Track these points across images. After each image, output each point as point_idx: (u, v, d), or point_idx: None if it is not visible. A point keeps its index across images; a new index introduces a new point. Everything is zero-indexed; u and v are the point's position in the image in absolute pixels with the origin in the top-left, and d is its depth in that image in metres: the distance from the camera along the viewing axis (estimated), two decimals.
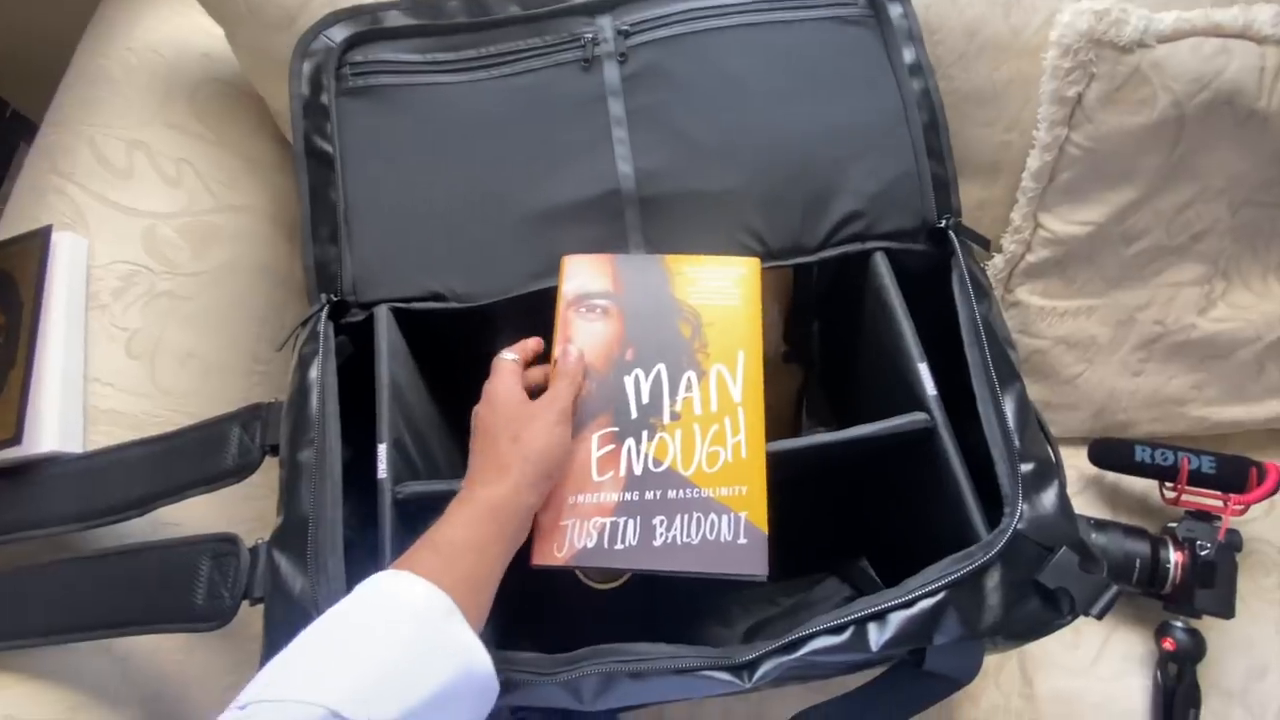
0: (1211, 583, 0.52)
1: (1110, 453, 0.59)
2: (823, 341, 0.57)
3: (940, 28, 0.49)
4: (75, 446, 0.44)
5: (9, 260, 0.46)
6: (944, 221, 0.44)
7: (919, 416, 0.40)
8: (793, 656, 0.34)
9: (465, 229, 0.44)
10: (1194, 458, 0.55)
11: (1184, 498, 0.56)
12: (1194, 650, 0.53)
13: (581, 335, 0.40)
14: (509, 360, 0.39)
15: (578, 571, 0.43)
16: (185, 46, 0.58)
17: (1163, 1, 0.47)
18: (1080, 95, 0.47)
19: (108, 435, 0.45)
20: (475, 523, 0.33)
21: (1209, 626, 0.54)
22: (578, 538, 0.36)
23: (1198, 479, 0.54)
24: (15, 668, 0.41)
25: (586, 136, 0.45)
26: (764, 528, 0.36)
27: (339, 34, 0.47)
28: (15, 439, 0.41)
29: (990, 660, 0.60)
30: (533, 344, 0.41)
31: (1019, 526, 0.36)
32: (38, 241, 0.46)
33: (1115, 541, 0.55)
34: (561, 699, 0.33)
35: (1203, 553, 0.52)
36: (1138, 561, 0.54)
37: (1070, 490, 0.62)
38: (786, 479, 0.42)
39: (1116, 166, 0.49)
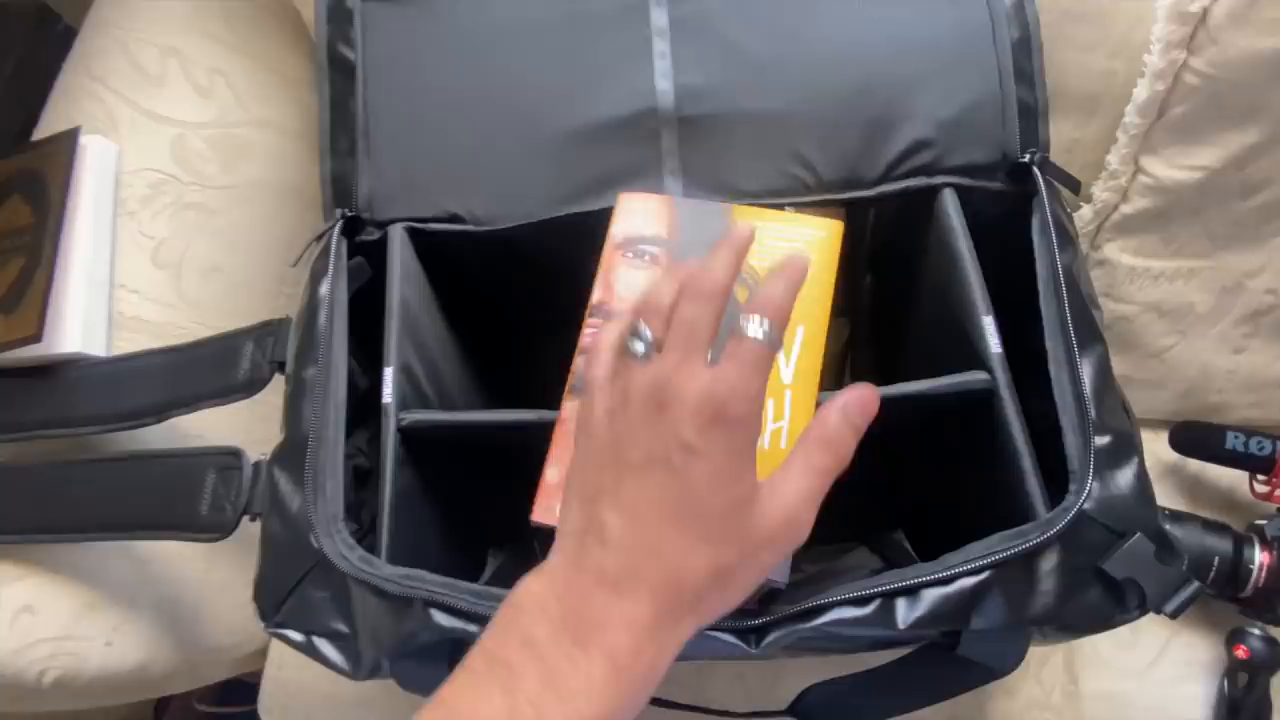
0: None
1: (1197, 438, 0.52)
2: (874, 293, 0.52)
3: None
4: (99, 350, 0.44)
5: (42, 160, 0.46)
6: (1028, 156, 0.38)
7: (979, 375, 0.35)
8: (808, 625, 0.31)
9: (488, 146, 0.41)
10: None
11: (1278, 493, 0.49)
12: (1270, 660, 0.48)
13: (624, 282, 0.36)
14: (763, 338, 0.23)
15: None
16: None
17: None
18: (1206, 10, 0.39)
19: (131, 342, 0.46)
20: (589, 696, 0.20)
21: None
22: None
23: None
24: (35, 560, 0.42)
25: (624, 48, 0.41)
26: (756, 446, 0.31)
27: None
28: (37, 336, 0.41)
29: (1033, 651, 0.55)
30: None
31: (1085, 506, 0.31)
32: (66, 142, 0.46)
33: (1193, 536, 0.49)
34: None
35: None
36: (1216, 559, 0.48)
37: None
38: None
39: (1242, 100, 0.42)
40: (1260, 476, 0.51)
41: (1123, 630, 0.53)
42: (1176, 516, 0.51)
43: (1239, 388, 0.53)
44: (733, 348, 0.23)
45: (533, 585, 0.23)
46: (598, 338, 0.27)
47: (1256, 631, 0.49)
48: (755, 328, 0.23)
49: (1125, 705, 0.52)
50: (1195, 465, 0.55)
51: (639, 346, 0.24)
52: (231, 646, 0.53)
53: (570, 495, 0.24)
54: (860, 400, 0.24)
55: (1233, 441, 0.50)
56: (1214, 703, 0.50)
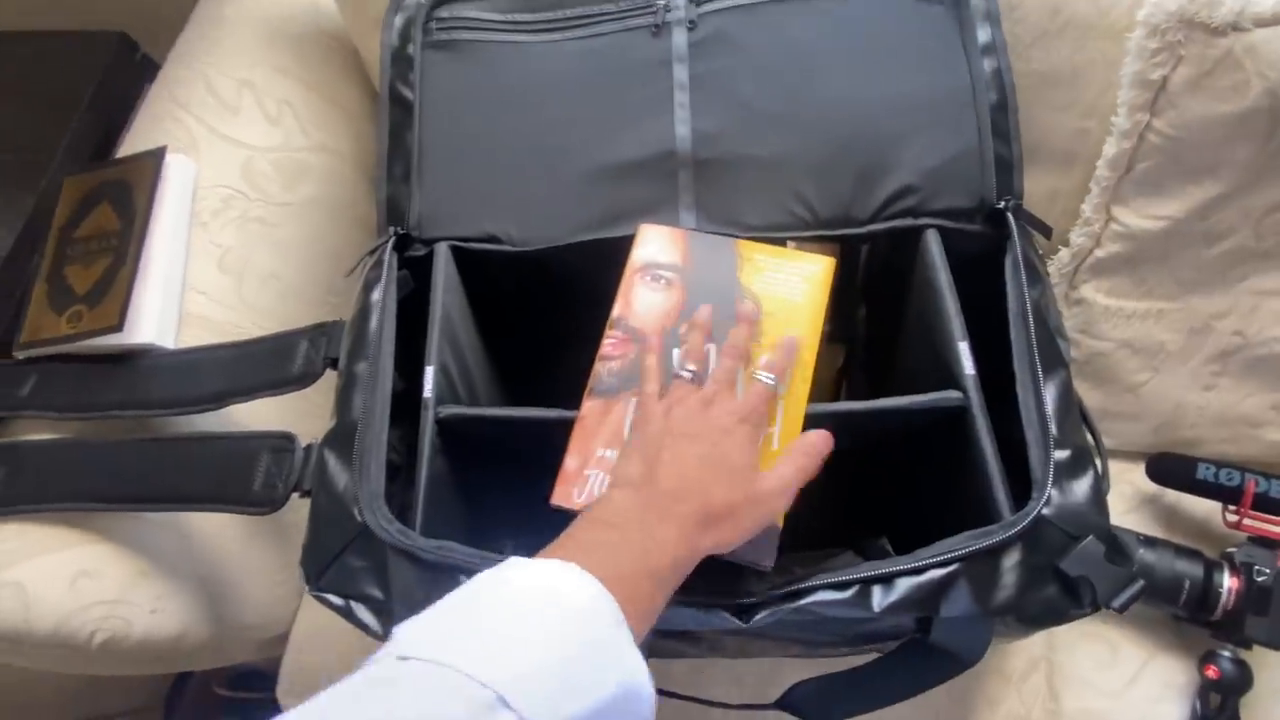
0: (1266, 610, 0.48)
1: (1170, 469, 0.55)
2: (868, 322, 0.56)
3: (1021, 5, 0.47)
4: (169, 342, 0.49)
5: (130, 173, 0.52)
6: (1004, 203, 0.43)
7: (953, 394, 0.39)
8: (792, 605, 0.34)
9: (526, 179, 0.47)
10: (1262, 480, 0.51)
11: (1246, 522, 0.52)
12: (1239, 681, 0.50)
13: (641, 301, 0.41)
14: (770, 383, 0.36)
15: None
16: None
17: None
18: (1165, 79, 0.44)
19: (196, 337, 0.51)
20: (656, 551, 0.30)
21: (1258, 660, 0.51)
22: (598, 488, 0.37)
23: (1263, 503, 0.51)
24: (95, 528, 0.46)
25: (649, 99, 0.46)
26: (779, 522, 0.36)
27: None
28: (119, 327, 0.47)
29: (1015, 668, 0.58)
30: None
31: (1045, 512, 0.35)
32: (154, 159, 0.52)
33: (1165, 560, 0.52)
34: None
35: (1259, 579, 0.49)
36: (1187, 583, 0.51)
37: (1124, 507, 0.61)
38: None
39: (1201, 158, 0.46)
40: (1231, 506, 0.53)
41: (1102, 651, 0.56)
42: (1151, 542, 0.53)
43: (1211, 423, 0.57)
44: (754, 387, 0.37)
45: (612, 495, 0.33)
46: (646, 365, 0.38)
47: (1226, 653, 0.51)
48: (765, 377, 0.37)
49: None
50: (1172, 495, 0.58)
51: (688, 374, 0.37)
52: (259, 626, 0.57)
53: (630, 454, 0.35)
54: (825, 435, 0.36)
55: (1204, 472, 0.53)
56: None
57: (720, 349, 0.39)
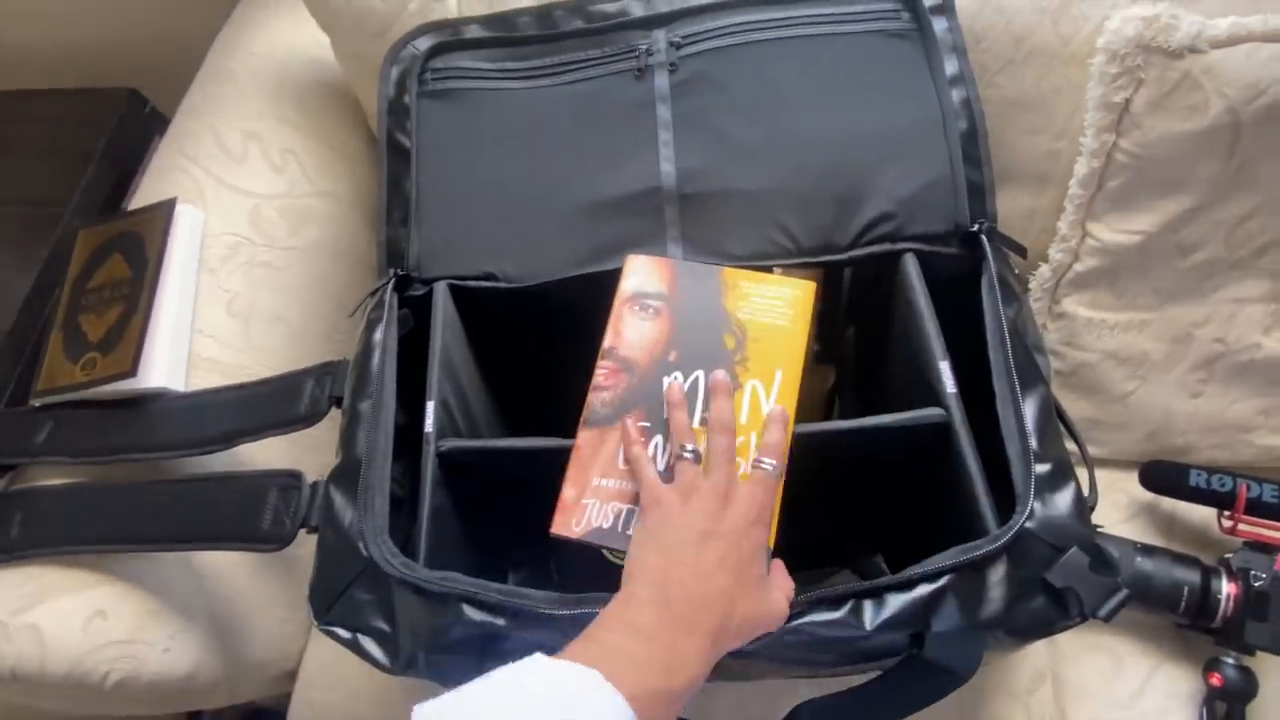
0: (1265, 616, 0.49)
1: (1163, 476, 0.56)
2: (856, 343, 0.57)
3: (986, 35, 0.50)
4: (179, 385, 0.51)
5: (141, 224, 0.55)
6: (977, 226, 0.45)
7: (936, 411, 0.40)
8: (789, 624, 0.35)
9: (519, 218, 0.49)
10: (1254, 485, 0.52)
11: (1241, 527, 0.53)
12: (1245, 688, 0.50)
13: (631, 330, 0.42)
14: (773, 471, 0.36)
15: (604, 551, 0.46)
16: (297, 52, 0.67)
17: (1218, 8, 0.45)
18: (1128, 101, 0.46)
19: (205, 380, 0.52)
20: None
21: (1263, 665, 0.51)
22: (595, 517, 0.38)
23: (1256, 508, 0.51)
24: (109, 570, 0.47)
25: (634, 138, 0.48)
26: (769, 542, 0.37)
27: (424, 43, 0.52)
28: (131, 372, 0.48)
29: (1021, 683, 0.58)
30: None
31: (1028, 525, 0.36)
32: (164, 210, 0.54)
33: (1163, 568, 0.52)
34: (572, 634, 0.35)
35: (1256, 584, 0.49)
36: (1186, 590, 0.51)
37: (1120, 516, 0.61)
38: (804, 470, 0.43)
39: (1167, 174, 0.48)
40: (1225, 512, 0.54)
41: (1107, 663, 0.56)
42: (1148, 550, 0.54)
43: (1201, 430, 0.57)
44: (758, 475, 0.37)
45: (637, 594, 0.33)
46: (637, 454, 0.38)
47: (1230, 660, 0.51)
48: (767, 464, 0.37)
49: None
50: (1168, 505, 0.59)
51: (689, 455, 0.37)
52: (269, 663, 0.57)
53: (648, 547, 0.34)
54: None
55: (1196, 479, 0.54)
56: None
57: (707, 375, 0.40)
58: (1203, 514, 0.57)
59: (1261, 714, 0.51)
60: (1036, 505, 0.36)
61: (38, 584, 0.47)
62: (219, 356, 0.54)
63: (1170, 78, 0.45)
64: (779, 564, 0.37)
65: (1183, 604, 0.51)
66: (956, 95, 0.46)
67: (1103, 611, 0.34)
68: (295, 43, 0.67)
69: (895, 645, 0.38)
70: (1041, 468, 0.37)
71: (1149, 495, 0.58)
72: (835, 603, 0.35)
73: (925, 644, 0.36)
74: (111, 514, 0.47)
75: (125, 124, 0.73)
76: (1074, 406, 0.59)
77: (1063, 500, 0.37)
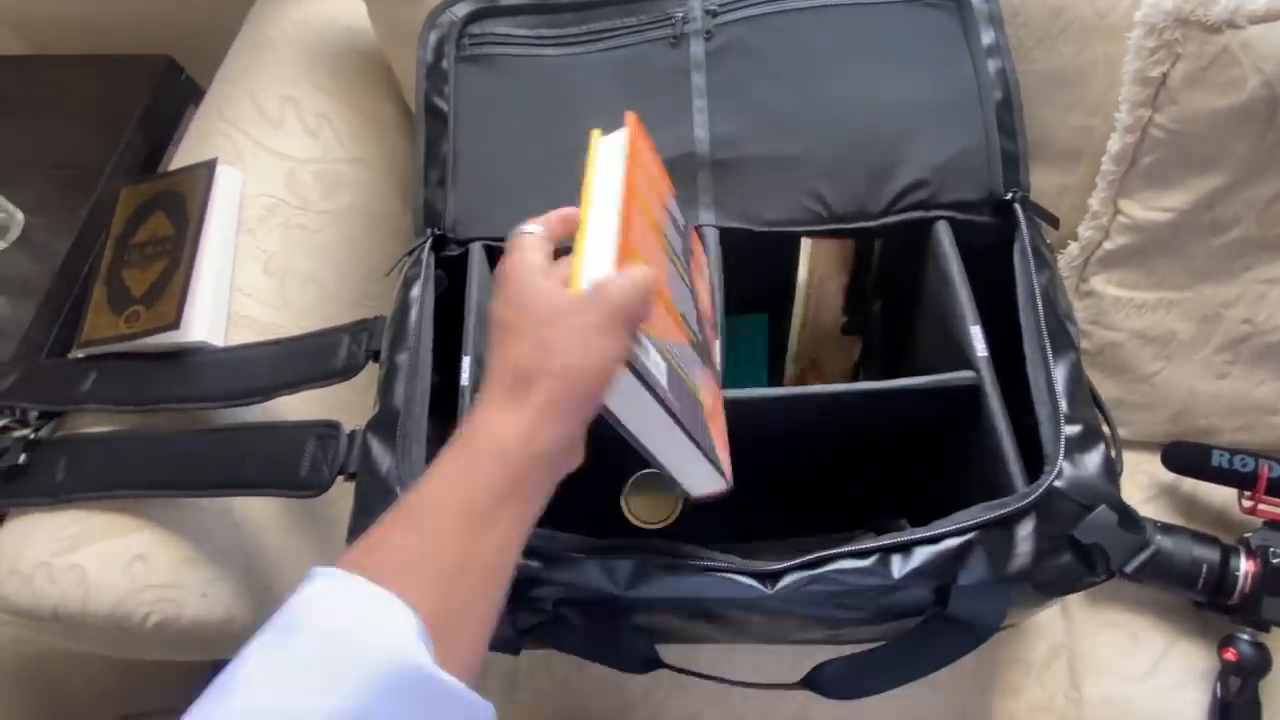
0: None
1: (1185, 456, 0.56)
2: (883, 317, 0.58)
3: (1023, 9, 0.50)
4: (219, 340, 0.52)
5: (183, 183, 0.56)
6: (1011, 194, 0.45)
7: (966, 374, 0.41)
8: (815, 572, 0.36)
9: (552, 181, 0.49)
10: (1276, 465, 0.52)
11: (1261, 507, 0.53)
12: (1258, 663, 0.50)
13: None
14: (532, 234, 0.29)
15: (626, 513, 0.47)
16: (333, 20, 0.68)
17: None
18: (1165, 75, 0.46)
19: (242, 336, 0.54)
20: (476, 474, 0.24)
21: (1278, 642, 0.51)
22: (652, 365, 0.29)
23: (1278, 488, 0.52)
24: (149, 516, 0.49)
25: (669, 105, 0.49)
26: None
27: (462, 9, 0.53)
28: (175, 324, 0.50)
29: (1037, 657, 0.59)
30: (564, 214, 0.32)
31: (1057, 484, 0.36)
32: (205, 170, 0.55)
33: (1182, 546, 0.53)
34: (598, 579, 0.36)
35: (1275, 560, 0.49)
36: (1204, 568, 0.51)
37: (1142, 497, 0.62)
38: (832, 433, 0.44)
39: (1203, 150, 0.48)
40: (1246, 492, 0.54)
41: (1122, 638, 0.57)
42: (1168, 529, 0.54)
43: (1225, 411, 0.57)
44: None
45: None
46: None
47: (1245, 636, 0.51)
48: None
49: (1125, 709, 0.54)
50: (1189, 484, 0.59)
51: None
52: None
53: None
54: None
55: (1219, 459, 0.54)
56: (1208, 706, 0.53)
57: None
58: (1223, 497, 0.58)
59: (1275, 689, 0.52)
60: (1065, 465, 0.37)
61: (81, 526, 0.48)
62: (255, 314, 0.55)
63: (1208, 52, 0.45)
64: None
65: (1200, 581, 0.51)
66: (993, 65, 0.47)
67: (1130, 568, 0.35)
68: (329, 11, 0.68)
69: (921, 602, 0.39)
70: (1071, 429, 0.38)
71: (1170, 477, 0.58)
72: (863, 554, 0.36)
73: (950, 599, 0.36)
74: (152, 461, 0.48)
75: (162, 90, 0.75)
76: (1099, 386, 0.58)
77: (1091, 461, 0.37)
